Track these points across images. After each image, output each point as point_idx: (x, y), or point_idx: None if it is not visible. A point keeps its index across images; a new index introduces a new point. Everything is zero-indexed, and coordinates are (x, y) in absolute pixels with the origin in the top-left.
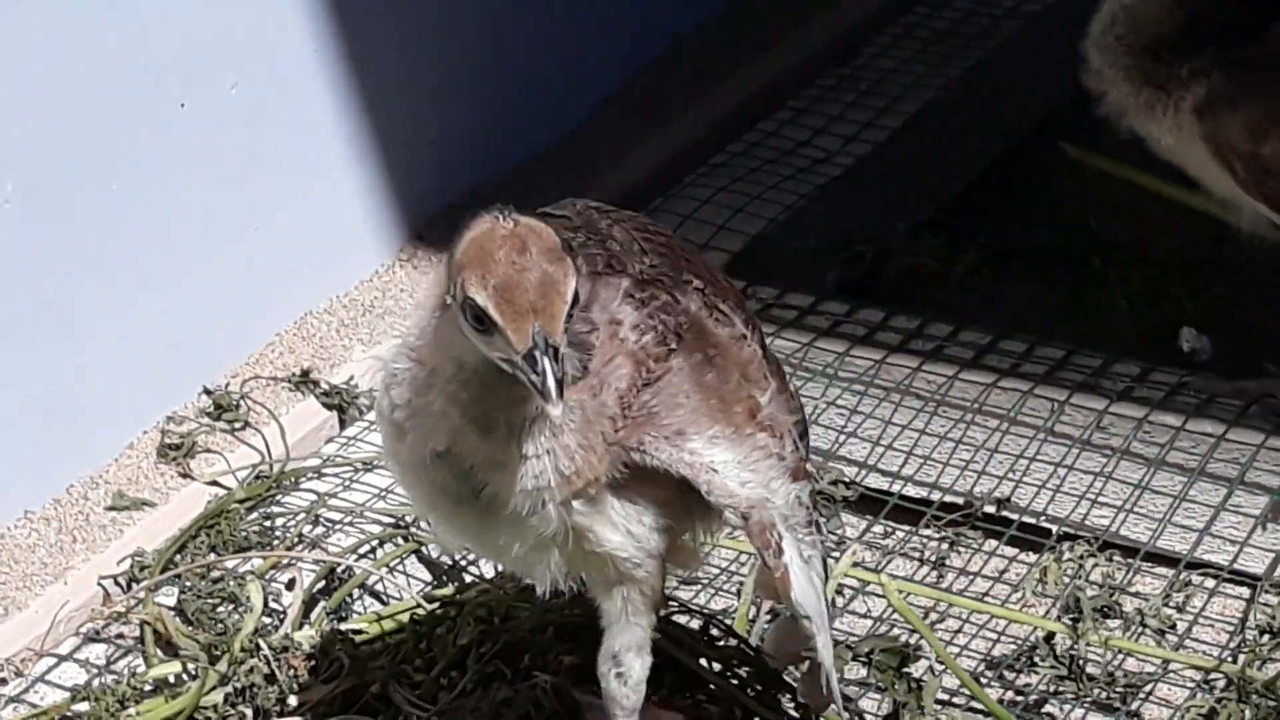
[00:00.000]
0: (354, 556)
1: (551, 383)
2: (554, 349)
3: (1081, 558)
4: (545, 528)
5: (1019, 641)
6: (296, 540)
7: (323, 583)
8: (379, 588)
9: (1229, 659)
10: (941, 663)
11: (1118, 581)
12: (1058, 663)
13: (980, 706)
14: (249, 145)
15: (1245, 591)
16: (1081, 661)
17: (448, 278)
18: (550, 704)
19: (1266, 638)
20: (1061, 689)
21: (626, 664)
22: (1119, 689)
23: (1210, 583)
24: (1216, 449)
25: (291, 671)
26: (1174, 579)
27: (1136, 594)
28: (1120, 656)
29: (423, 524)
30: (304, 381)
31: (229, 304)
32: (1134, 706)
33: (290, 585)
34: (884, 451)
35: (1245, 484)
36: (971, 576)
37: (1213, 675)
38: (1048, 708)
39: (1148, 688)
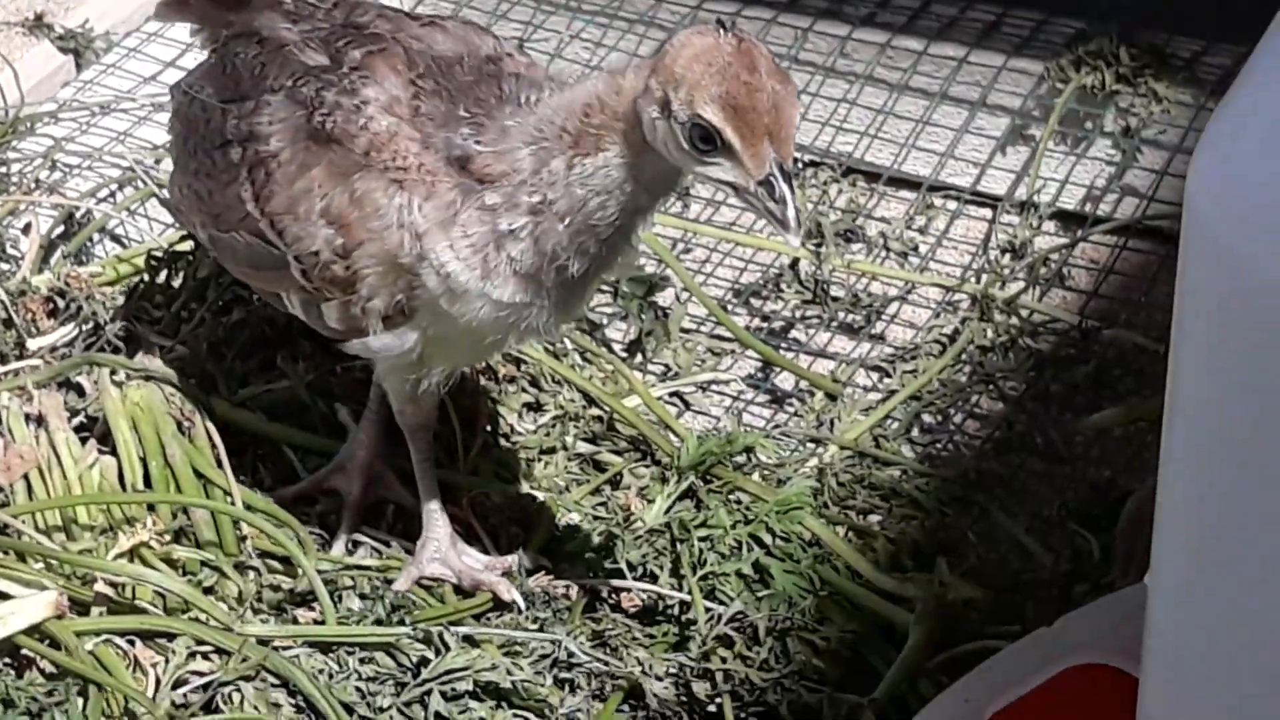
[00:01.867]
0: (93, 201)
1: (792, 212)
2: (789, 175)
3: (825, 184)
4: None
5: (765, 268)
6: (33, 185)
7: (61, 228)
8: (119, 231)
9: (972, 279)
10: (688, 291)
11: (861, 206)
12: (803, 288)
13: (726, 333)
14: None
15: (987, 213)
16: (826, 286)
17: (653, 92)
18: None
19: (1008, 257)
20: (807, 314)
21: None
22: (863, 310)
23: (952, 205)
24: (958, 72)
25: (29, 315)
26: (916, 202)
27: (880, 219)
28: (865, 280)
29: (159, 169)
30: (38, 25)
31: None
32: (878, 329)
33: (26, 230)
34: None
35: (987, 106)
36: (717, 206)
37: (955, 295)
38: (794, 332)
39: (891, 309)
